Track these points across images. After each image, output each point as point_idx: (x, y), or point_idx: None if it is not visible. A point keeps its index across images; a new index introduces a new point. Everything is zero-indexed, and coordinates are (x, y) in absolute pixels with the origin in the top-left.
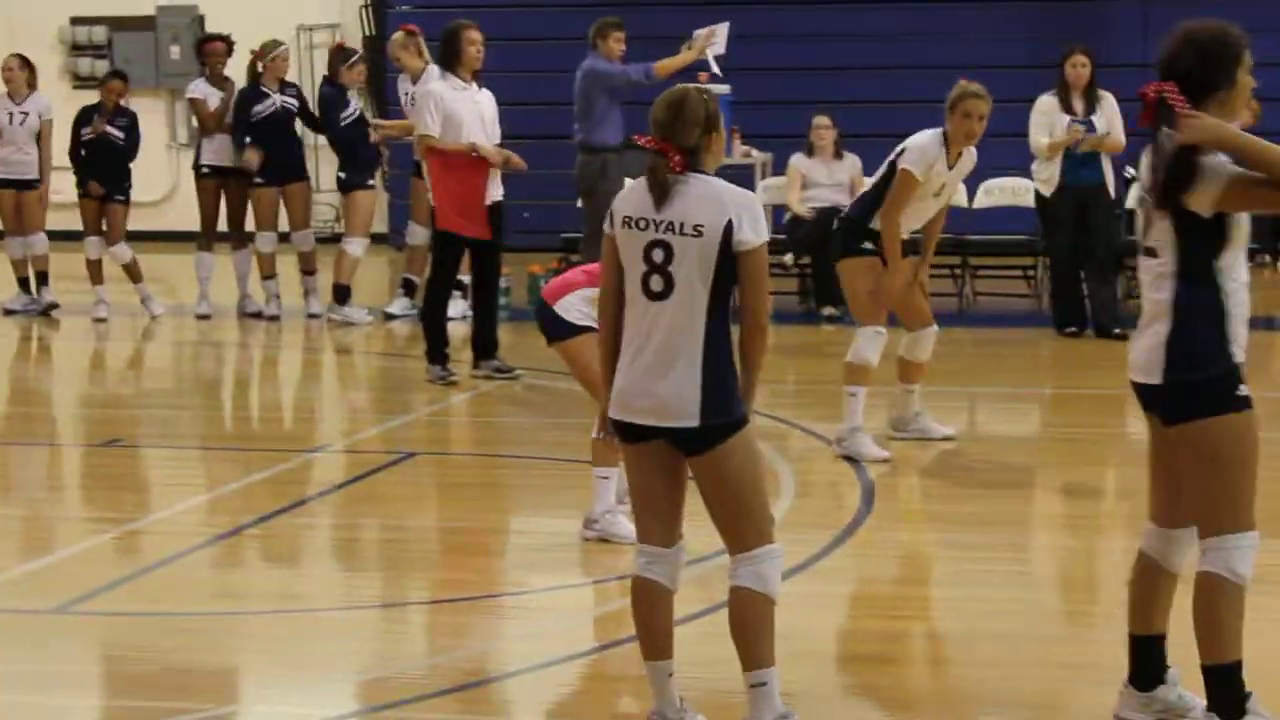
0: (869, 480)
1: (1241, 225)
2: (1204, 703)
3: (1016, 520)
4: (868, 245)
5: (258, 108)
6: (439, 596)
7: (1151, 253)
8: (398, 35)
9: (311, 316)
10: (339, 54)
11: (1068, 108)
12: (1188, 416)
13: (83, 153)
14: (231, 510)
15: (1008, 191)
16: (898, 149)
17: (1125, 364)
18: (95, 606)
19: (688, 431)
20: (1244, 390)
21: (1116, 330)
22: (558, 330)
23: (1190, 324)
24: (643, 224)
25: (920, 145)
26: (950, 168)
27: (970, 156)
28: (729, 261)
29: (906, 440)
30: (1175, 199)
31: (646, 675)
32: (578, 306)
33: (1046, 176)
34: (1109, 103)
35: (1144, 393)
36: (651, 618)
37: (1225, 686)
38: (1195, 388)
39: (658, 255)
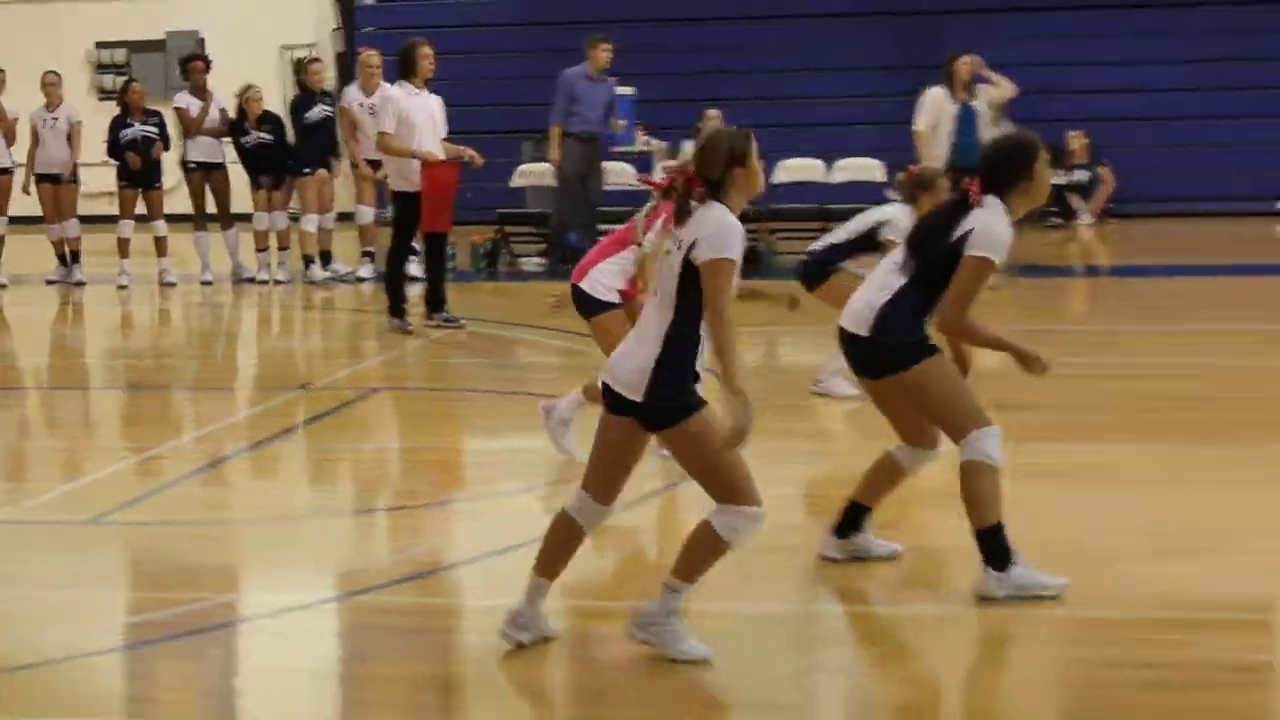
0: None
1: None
2: (882, 546)
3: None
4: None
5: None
6: (399, 504)
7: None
8: (370, 55)
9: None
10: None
11: (955, 98)
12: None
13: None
14: (229, 439)
15: (860, 169)
16: (876, 220)
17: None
18: (120, 518)
19: (644, 408)
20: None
21: None
22: (587, 308)
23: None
24: (670, 239)
25: (897, 220)
26: None
27: None
28: (690, 270)
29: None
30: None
31: (527, 585)
32: (602, 280)
33: (938, 154)
34: (984, 90)
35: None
36: (558, 546)
37: (993, 542)
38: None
39: (663, 263)
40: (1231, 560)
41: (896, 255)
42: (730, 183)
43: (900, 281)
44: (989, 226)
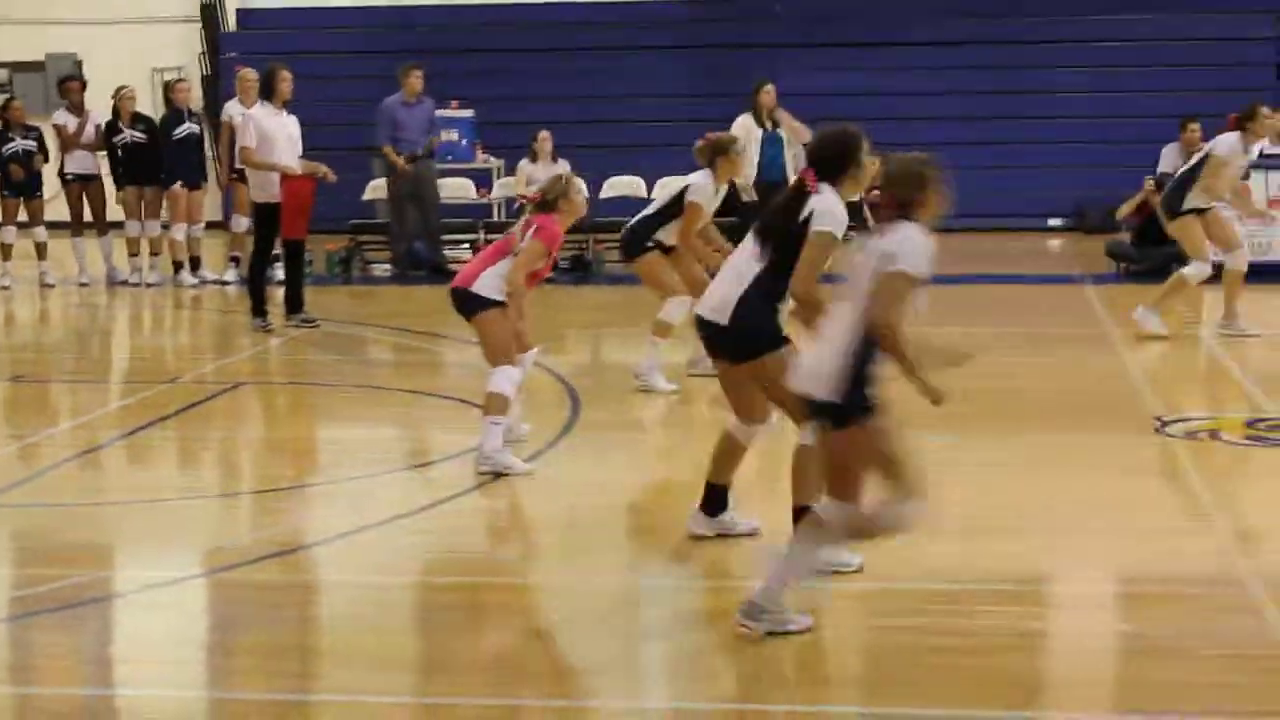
0: (577, 395)
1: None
2: (747, 523)
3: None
4: (649, 244)
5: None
6: (261, 488)
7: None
8: (247, 72)
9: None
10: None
11: (760, 123)
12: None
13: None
14: (105, 427)
15: (675, 187)
16: (682, 185)
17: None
18: (2, 500)
19: (828, 405)
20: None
21: None
22: (474, 307)
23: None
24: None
25: (702, 186)
26: (714, 195)
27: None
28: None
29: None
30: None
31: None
32: (490, 283)
33: (747, 172)
34: (786, 117)
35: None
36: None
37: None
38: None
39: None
40: (1021, 540)
41: (748, 246)
42: (919, 205)
43: (756, 270)
44: (828, 207)
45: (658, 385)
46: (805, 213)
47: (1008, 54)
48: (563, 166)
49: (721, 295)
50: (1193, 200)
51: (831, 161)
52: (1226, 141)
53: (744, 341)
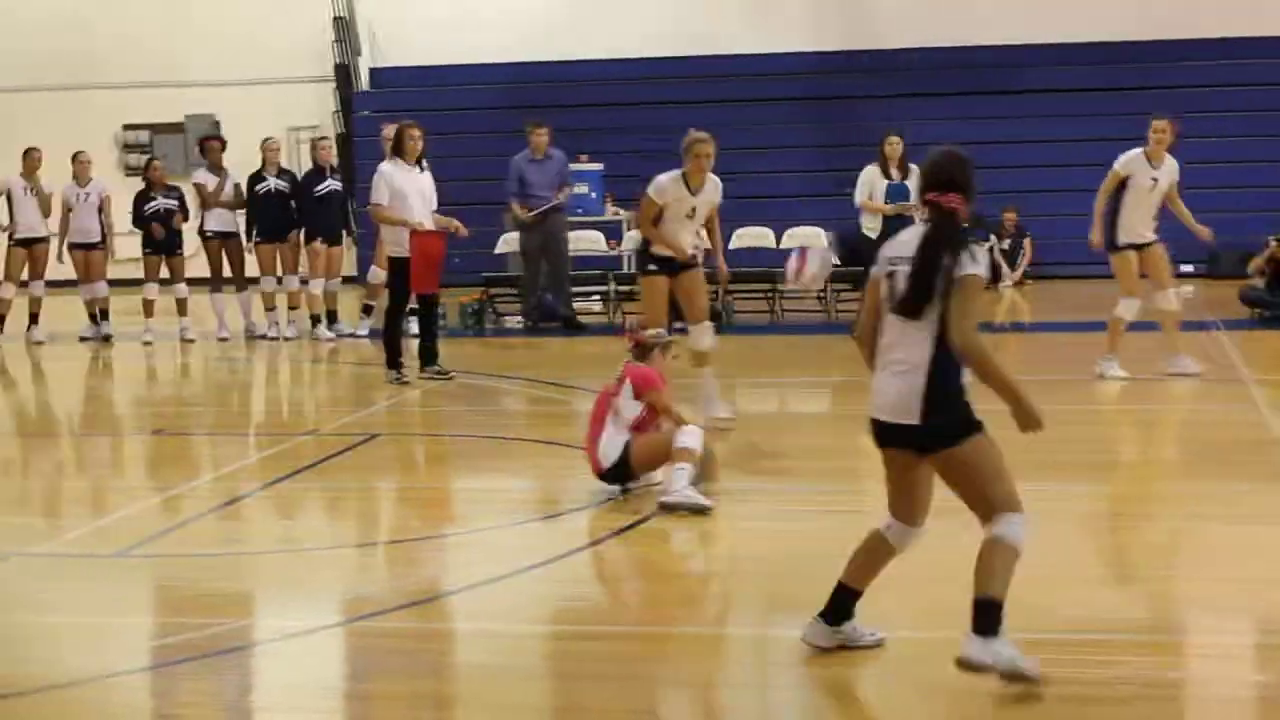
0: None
1: None
2: (872, 634)
3: (816, 473)
4: (651, 267)
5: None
6: (398, 538)
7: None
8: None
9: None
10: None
11: (886, 174)
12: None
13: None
14: (245, 479)
15: (804, 237)
16: None
17: None
18: (145, 551)
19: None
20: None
21: None
22: (624, 471)
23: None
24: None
25: (658, 180)
26: (694, 194)
27: (714, 184)
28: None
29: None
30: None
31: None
32: (612, 448)
33: (873, 225)
34: (916, 172)
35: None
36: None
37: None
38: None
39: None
40: (1155, 585)
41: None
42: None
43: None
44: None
45: (719, 413)
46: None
47: (1137, 100)
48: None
49: (898, 390)
50: None
51: (970, 185)
52: None
53: (942, 428)
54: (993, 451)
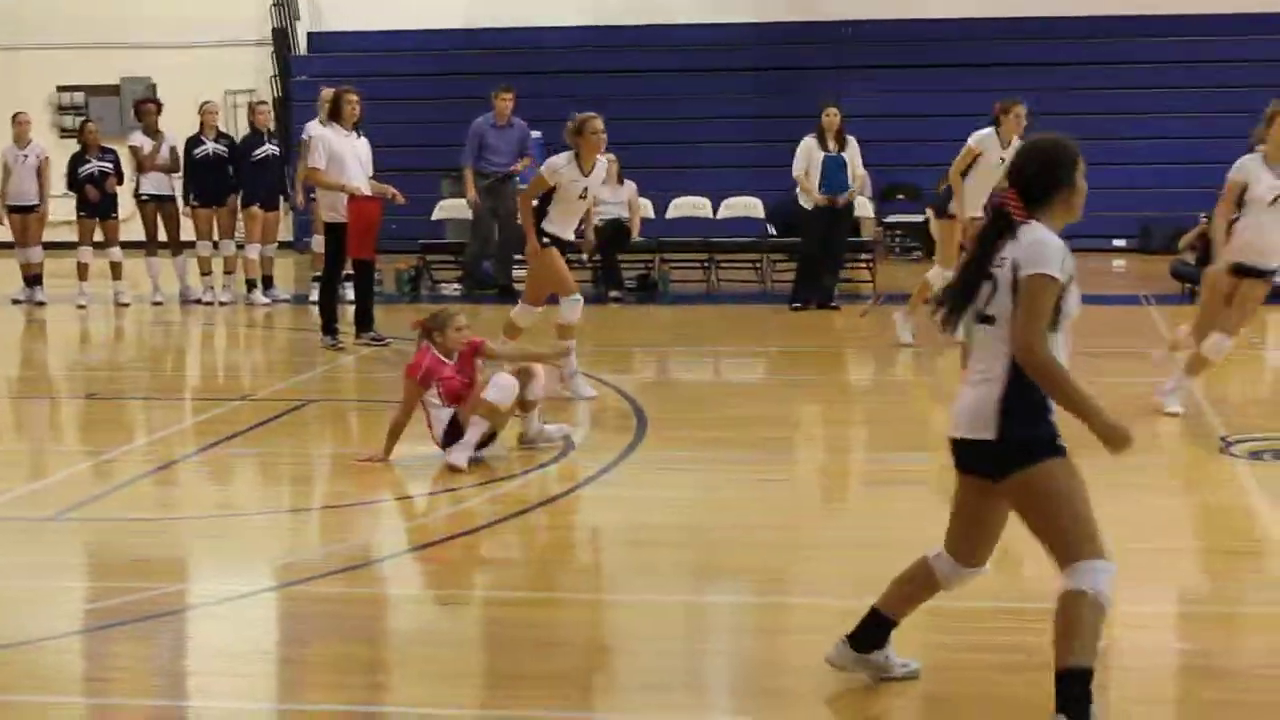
0: (644, 413)
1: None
2: (904, 664)
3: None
4: (546, 240)
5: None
6: (330, 504)
7: (989, 320)
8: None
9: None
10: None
11: (824, 146)
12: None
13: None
14: (178, 443)
15: (740, 207)
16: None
17: (835, 329)
18: (78, 515)
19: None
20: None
21: (834, 304)
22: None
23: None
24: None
25: (553, 160)
26: (586, 175)
27: (603, 165)
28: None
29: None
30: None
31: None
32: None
33: (808, 198)
34: (853, 144)
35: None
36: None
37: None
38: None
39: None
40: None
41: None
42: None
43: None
44: (1039, 241)
45: (581, 392)
46: (1007, 252)
47: (1072, 75)
48: (629, 187)
49: (974, 402)
50: None
51: (1039, 180)
52: None
53: (1010, 449)
54: (1075, 483)
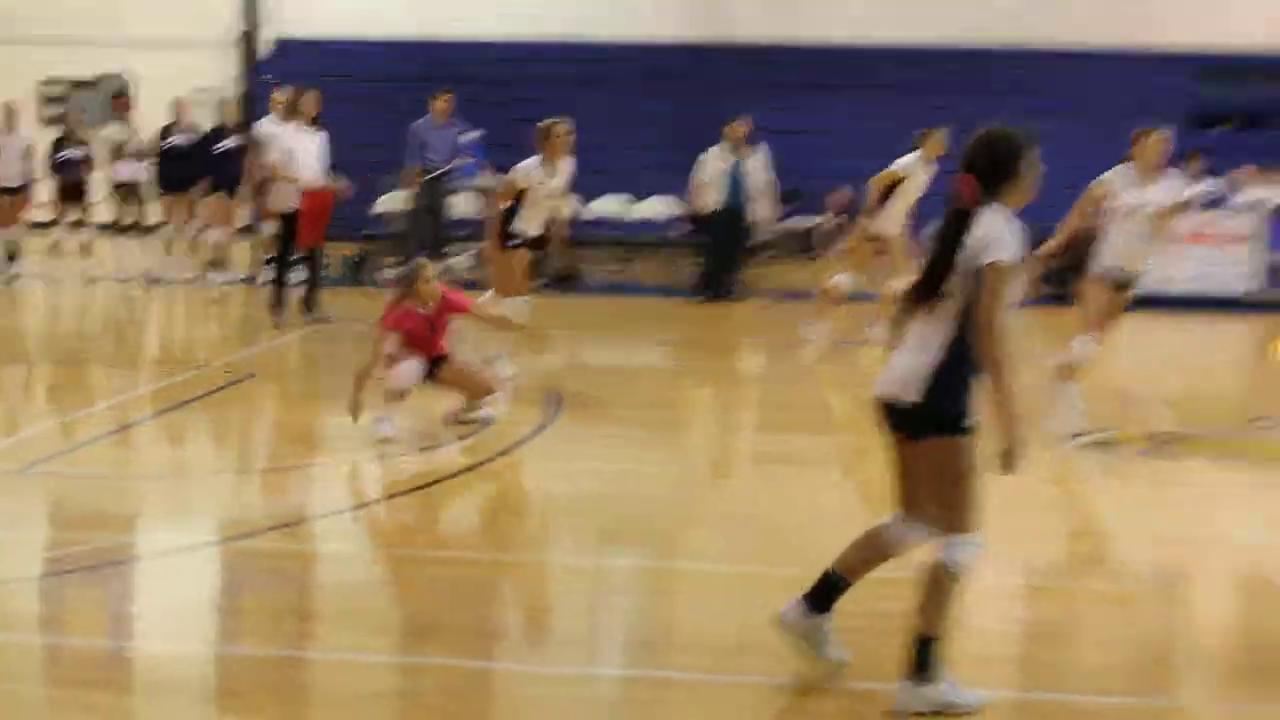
0: (559, 394)
1: None
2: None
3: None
4: (516, 240)
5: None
6: (272, 466)
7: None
8: (279, 93)
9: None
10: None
11: (731, 154)
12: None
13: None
14: (134, 409)
15: (653, 207)
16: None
17: (734, 322)
18: (44, 469)
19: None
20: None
21: (732, 297)
22: None
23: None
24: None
25: (523, 165)
26: (551, 178)
27: (568, 167)
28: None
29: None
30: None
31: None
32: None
33: (713, 200)
34: (759, 153)
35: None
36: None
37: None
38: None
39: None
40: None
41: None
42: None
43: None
44: (992, 229)
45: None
46: (970, 237)
47: (957, 101)
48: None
49: (906, 366)
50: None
51: (992, 167)
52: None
53: (928, 415)
54: (974, 462)
